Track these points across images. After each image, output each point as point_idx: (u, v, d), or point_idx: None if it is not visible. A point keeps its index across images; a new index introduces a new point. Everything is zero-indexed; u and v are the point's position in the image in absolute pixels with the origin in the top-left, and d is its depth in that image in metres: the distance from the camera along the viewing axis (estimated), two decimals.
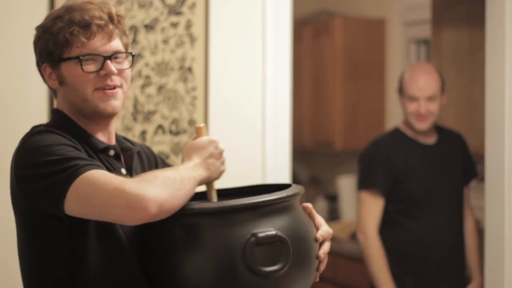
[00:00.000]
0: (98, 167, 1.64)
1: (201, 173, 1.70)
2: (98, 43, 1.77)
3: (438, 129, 3.52)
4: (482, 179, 3.78)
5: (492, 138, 3.14)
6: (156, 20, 2.90)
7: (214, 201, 1.80)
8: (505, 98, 3.06)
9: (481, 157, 3.48)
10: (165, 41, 2.91)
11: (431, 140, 3.46)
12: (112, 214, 1.59)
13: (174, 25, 2.93)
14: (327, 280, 4.60)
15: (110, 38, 1.79)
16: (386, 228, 3.41)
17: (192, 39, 2.96)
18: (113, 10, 1.81)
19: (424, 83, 3.32)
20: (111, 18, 1.80)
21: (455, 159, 3.49)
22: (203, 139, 1.76)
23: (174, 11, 2.93)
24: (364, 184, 3.42)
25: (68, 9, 1.78)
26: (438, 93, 3.35)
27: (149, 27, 2.88)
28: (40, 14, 2.69)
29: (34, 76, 2.69)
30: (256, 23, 3.07)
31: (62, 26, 1.76)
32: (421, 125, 3.36)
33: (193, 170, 1.69)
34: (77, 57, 1.75)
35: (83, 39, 1.75)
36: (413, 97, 3.32)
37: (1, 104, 2.68)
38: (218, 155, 1.76)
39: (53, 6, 2.69)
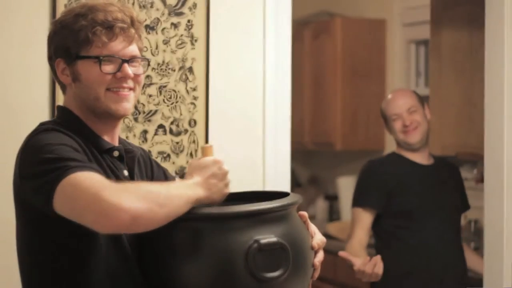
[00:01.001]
0: (89, 169, 1.63)
1: (199, 192, 1.66)
2: (119, 46, 1.78)
3: (435, 157, 3.52)
4: (481, 180, 3.78)
5: (491, 139, 3.15)
6: (157, 21, 2.91)
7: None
8: (504, 98, 3.07)
9: (480, 158, 3.49)
10: (166, 42, 2.92)
11: (428, 162, 3.46)
12: (87, 219, 1.58)
13: (175, 25, 2.94)
14: (327, 280, 4.61)
15: (130, 42, 1.80)
16: (384, 244, 3.41)
17: (193, 40, 2.97)
18: (135, 14, 1.82)
19: (401, 99, 3.41)
20: (132, 22, 1.81)
21: (453, 182, 3.51)
22: (208, 158, 1.73)
23: (174, 11, 2.94)
24: (356, 202, 3.44)
25: (91, 8, 1.78)
26: (418, 105, 3.40)
27: (150, 28, 2.89)
28: (41, 13, 2.70)
29: (36, 74, 2.72)
30: (256, 24, 3.07)
31: (85, 25, 1.76)
32: (411, 137, 3.37)
33: (191, 188, 1.65)
34: (97, 57, 1.76)
35: (105, 40, 1.76)
36: (395, 114, 3.38)
37: (3, 103, 2.69)
38: (222, 176, 1.71)
39: (55, 6, 2.70)
